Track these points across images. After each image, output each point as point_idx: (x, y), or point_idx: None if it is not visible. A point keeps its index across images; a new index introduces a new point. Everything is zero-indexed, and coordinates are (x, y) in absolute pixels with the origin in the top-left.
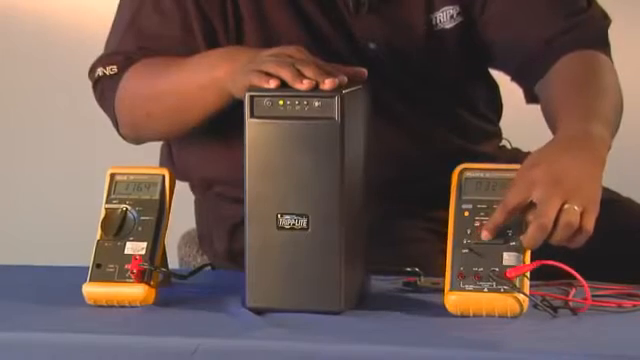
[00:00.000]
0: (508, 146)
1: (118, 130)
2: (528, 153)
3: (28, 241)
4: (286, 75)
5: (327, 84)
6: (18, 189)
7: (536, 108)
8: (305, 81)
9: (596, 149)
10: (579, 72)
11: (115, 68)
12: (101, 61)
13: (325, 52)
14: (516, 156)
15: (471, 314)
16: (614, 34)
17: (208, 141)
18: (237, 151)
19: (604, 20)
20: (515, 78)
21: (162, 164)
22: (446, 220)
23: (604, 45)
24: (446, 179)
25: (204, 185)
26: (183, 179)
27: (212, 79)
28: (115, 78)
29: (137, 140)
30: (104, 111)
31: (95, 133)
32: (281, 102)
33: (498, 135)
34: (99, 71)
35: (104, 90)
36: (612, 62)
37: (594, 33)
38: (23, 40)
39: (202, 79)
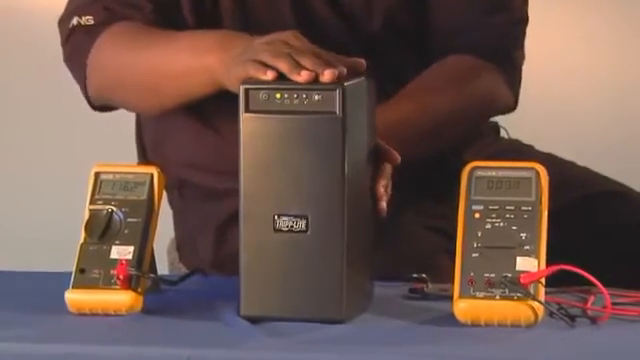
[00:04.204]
0: (506, 136)
1: (85, 92)
2: (529, 146)
3: (7, 245)
4: (283, 66)
5: (327, 75)
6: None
7: (537, 103)
8: (303, 73)
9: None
10: (445, 74)
11: (91, 19)
12: (77, 10)
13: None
14: (519, 148)
15: (482, 323)
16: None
17: (189, 124)
18: (223, 134)
19: (520, 26)
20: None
21: (139, 161)
22: (452, 217)
23: (502, 59)
24: (450, 162)
25: (181, 177)
26: None
27: (202, 65)
28: (90, 33)
29: (103, 103)
30: (70, 68)
31: (82, 130)
32: (278, 95)
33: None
34: (74, 21)
35: (76, 47)
36: (501, 78)
37: (499, 43)
38: (22, 36)
39: (190, 63)
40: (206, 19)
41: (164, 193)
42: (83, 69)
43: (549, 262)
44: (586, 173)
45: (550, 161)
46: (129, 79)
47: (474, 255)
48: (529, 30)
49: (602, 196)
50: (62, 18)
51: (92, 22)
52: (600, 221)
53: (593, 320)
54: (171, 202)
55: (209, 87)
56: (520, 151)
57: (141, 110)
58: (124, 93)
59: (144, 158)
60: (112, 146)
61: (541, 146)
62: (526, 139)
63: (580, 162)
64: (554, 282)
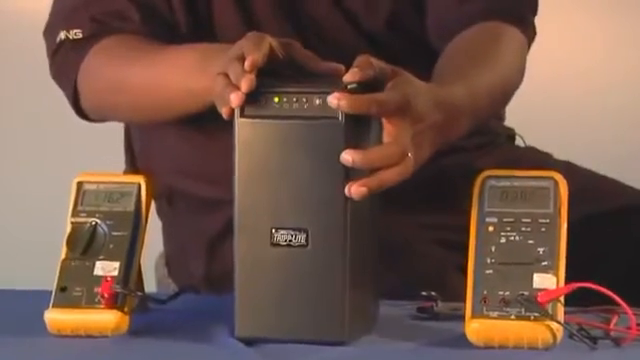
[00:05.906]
0: (522, 144)
1: (76, 106)
2: (546, 154)
3: None
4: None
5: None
6: None
7: (552, 109)
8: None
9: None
10: (477, 42)
11: (79, 33)
12: (63, 21)
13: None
14: (536, 157)
15: (496, 345)
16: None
17: (180, 128)
18: (215, 140)
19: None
20: (430, 36)
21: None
22: (457, 226)
23: (523, 22)
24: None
25: (170, 185)
26: None
27: (188, 90)
28: (79, 48)
29: (99, 120)
30: (59, 85)
31: (67, 136)
32: (276, 99)
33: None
34: (62, 35)
35: (64, 64)
36: (527, 41)
37: (515, 8)
38: (18, 37)
39: (178, 86)
40: (199, 20)
41: (152, 203)
42: (72, 87)
43: (572, 277)
44: (615, 184)
45: (571, 170)
46: (122, 100)
47: (487, 272)
48: (546, 34)
49: (637, 209)
50: (47, 28)
51: (80, 36)
52: (634, 235)
53: (616, 342)
54: (160, 212)
55: (203, 107)
56: (537, 159)
57: (135, 124)
58: (117, 113)
59: (133, 165)
60: (97, 153)
61: (557, 153)
62: (541, 146)
63: (597, 168)
64: (576, 300)
